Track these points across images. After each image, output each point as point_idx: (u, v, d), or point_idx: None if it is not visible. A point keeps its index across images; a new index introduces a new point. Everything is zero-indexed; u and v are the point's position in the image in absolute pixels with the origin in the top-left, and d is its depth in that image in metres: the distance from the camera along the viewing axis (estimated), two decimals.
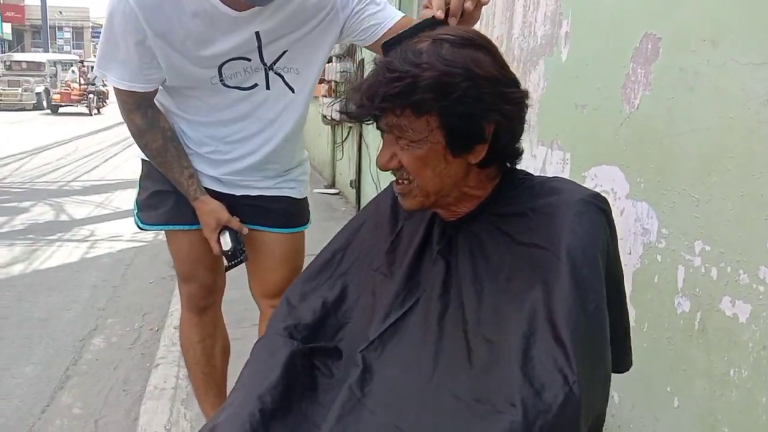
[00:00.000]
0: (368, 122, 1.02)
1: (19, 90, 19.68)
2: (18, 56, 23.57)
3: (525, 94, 0.99)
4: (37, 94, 20.08)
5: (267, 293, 1.78)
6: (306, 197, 1.83)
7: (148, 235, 5.10)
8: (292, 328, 1.14)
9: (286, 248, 1.78)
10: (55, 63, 22.19)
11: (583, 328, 0.86)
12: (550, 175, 2.01)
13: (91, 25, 48.15)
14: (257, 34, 1.48)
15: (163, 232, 1.77)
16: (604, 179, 1.79)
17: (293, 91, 1.60)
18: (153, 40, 1.42)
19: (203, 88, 1.54)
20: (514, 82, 0.99)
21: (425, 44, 0.95)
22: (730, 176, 1.32)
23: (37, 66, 21.34)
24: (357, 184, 5.61)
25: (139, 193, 1.76)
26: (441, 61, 0.93)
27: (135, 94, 1.52)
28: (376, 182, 4.85)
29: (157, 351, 2.89)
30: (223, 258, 1.67)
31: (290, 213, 1.77)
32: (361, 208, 5.25)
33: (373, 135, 5.06)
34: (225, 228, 1.63)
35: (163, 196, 1.69)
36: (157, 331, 3.23)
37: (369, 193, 5.11)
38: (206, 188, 1.65)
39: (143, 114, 1.56)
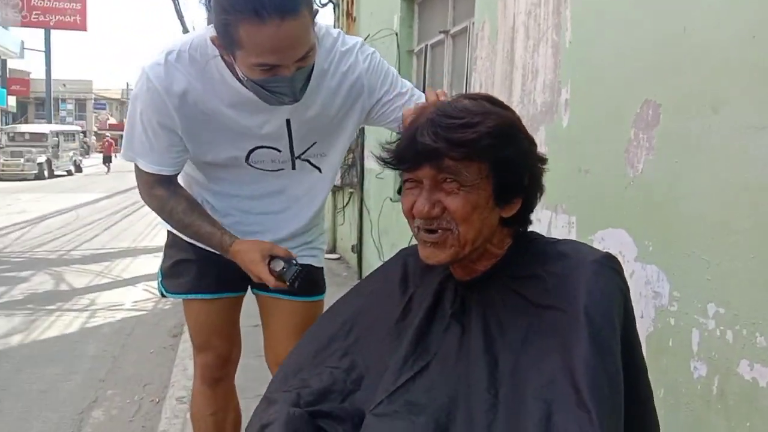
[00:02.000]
0: (406, 168, 1.02)
1: (22, 160, 19.93)
2: (21, 127, 24.04)
3: (545, 159, 1.06)
4: (38, 164, 20.33)
5: (281, 361, 1.75)
6: (323, 266, 1.83)
7: (148, 304, 5.06)
8: (298, 391, 1.12)
9: (305, 317, 1.75)
10: (57, 134, 22.58)
11: (606, 391, 0.85)
12: None
13: (93, 97, 49.24)
14: (288, 122, 1.48)
15: (181, 300, 1.77)
16: (611, 242, 1.79)
17: (320, 171, 1.62)
18: (180, 123, 1.42)
19: (230, 166, 1.55)
20: (536, 144, 1.06)
21: (467, 101, 1.01)
22: (740, 238, 1.33)
23: (40, 137, 21.70)
24: (358, 249, 5.61)
25: (163, 261, 1.77)
26: (494, 112, 0.99)
27: (159, 176, 1.51)
28: (378, 247, 4.85)
29: (159, 424, 2.81)
30: (285, 281, 1.49)
31: (310, 281, 1.76)
32: (363, 273, 5.24)
33: (374, 199, 5.09)
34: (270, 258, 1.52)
35: (186, 266, 1.70)
36: (158, 402, 3.16)
37: (371, 258, 5.10)
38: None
39: (165, 187, 1.54)
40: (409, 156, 1.01)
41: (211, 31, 1.32)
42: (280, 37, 1.20)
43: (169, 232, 1.74)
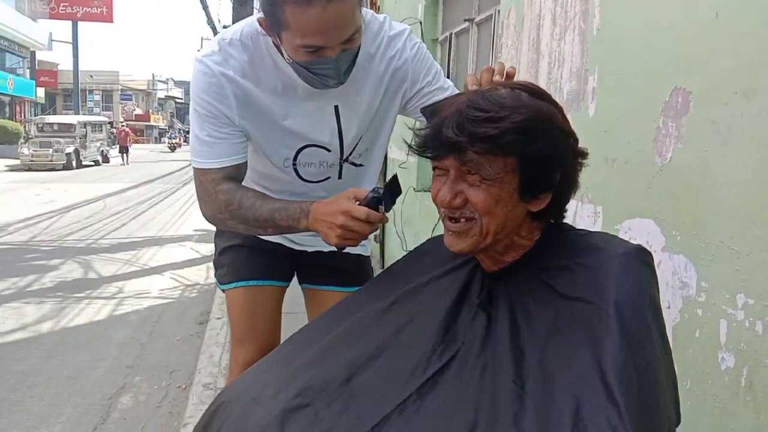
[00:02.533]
0: (432, 156, 1.02)
1: (50, 151, 20.26)
2: (50, 118, 24.42)
3: (586, 153, 1.03)
4: (67, 154, 20.65)
5: None
6: (370, 254, 1.83)
7: (175, 292, 5.13)
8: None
9: None
10: (85, 124, 22.91)
11: (636, 386, 0.84)
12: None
13: (120, 87, 49.85)
14: (336, 108, 1.46)
15: (212, 288, 1.80)
16: (638, 232, 1.77)
17: (363, 166, 1.61)
18: (237, 111, 1.40)
19: (277, 170, 1.53)
20: (577, 139, 1.03)
21: (504, 91, 0.99)
22: None
23: (68, 127, 22.03)
24: (381, 239, 5.62)
25: (214, 253, 1.80)
26: (526, 106, 0.97)
27: (227, 169, 1.43)
28: (401, 236, 4.85)
29: (185, 410, 2.86)
30: (380, 208, 1.31)
31: (360, 270, 1.77)
32: (385, 263, 5.25)
33: None
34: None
35: (235, 251, 1.71)
36: (185, 389, 3.21)
37: (393, 248, 5.10)
38: (276, 242, 1.66)
39: (232, 182, 1.44)
40: (433, 146, 1.01)
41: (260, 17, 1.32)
42: (325, 18, 1.19)
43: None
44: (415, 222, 4.46)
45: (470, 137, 0.95)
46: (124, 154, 25.28)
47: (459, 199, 1.00)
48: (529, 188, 0.99)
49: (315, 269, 1.73)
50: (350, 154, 1.54)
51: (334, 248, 1.67)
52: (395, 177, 1.32)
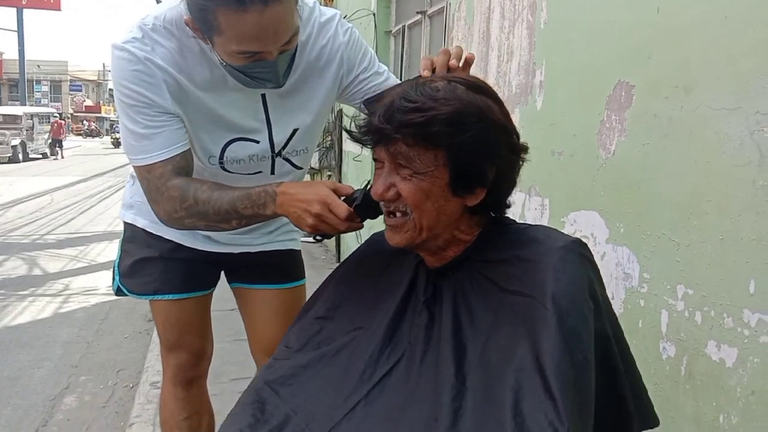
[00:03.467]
0: (370, 146, 1.02)
1: None
2: None
3: (525, 149, 1.03)
4: (12, 147, 19.94)
5: (269, 351, 1.68)
6: (300, 248, 1.75)
7: None
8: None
9: (288, 303, 1.68)
10: (32, 116, 22.14)
11: (572, 379, 0.84)
12: (529, 220, 2.01)
13: (69, 78, 48.38)
14: (263, 96, 1.38)
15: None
16: (583, 224, 1.79)
17: (300, 168, 1.53)
18: (171, 97, 1.28)
19: (202, 165, 1.42)
20: (517, 134, 1.03)
21: (440, 83, 0.98)
22: (709, 220, 1.33)
23: (14, 119, 21.25)
24: None
25: (121, 258, 1.64)
26: (458, 99, 0.95)
27: (174, 159, 1.29)
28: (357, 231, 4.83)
29: (132, 409, 2.78)
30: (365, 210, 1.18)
31: (291, 266, 1.70)
32: (342, 256, 5.22)
33: (353, 182, 5.05)
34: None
35: (149, 264, 1.58)
36: (132, 388, 3.13)
37: (349, 241, 5.08)
38: (197, 249, 1.56)
39: (182, 176, 1.30)
40: (364, 134, 1.01)
41: (183, 8, 1.21)
42: (263, 24, 1.11)
43: (126, 225, 1.63)
44: None
45: (398, 125, 0.94)
46: (58, 148, 23.48)
47: (391, 191, 0.99)
48: (461, 183, 0.97)
49: (244, 269, 1.65)
50: (284, 148, 1.46)
51: (262, 248, 1.61)
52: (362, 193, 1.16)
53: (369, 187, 1.11)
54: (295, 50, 1.27)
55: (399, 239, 1.03)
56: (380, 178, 1.00)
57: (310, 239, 1.36)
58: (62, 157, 23.22)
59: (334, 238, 5.54)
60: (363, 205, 1.15)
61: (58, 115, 26.29)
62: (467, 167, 0.96)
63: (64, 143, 24.51)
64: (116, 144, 33.73)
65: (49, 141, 23.56)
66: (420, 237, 1.01)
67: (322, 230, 1.18)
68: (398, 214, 1.01)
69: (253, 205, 1.22)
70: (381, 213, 1.11)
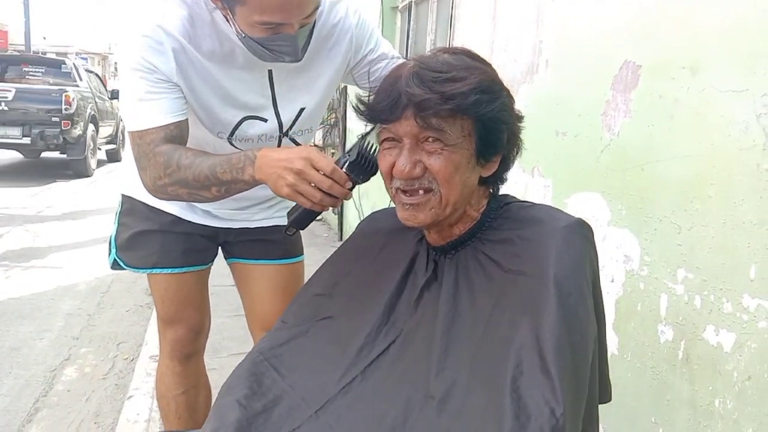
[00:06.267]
0: (385, 120, 0.97)
1: None
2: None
3: (522, 117, 1.05)
4: None
5: (267, 326, 1.68)
6: None
7: None
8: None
9: (286, 279, 1.69)
10: None
11: (569, 359, 0.84)
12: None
13: (75, 50, 48.17)
14: (270, 73, 1.37)
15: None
16: (585, 206, 1.77)
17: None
18: (177, 71, 1.28)
19: (212, 136, 1.41)
20: (514, 100, 1.05)
21: (446, 56, 0.98)
22: (712, 203, 1.31)
23: None
24: (339, 210, 5.58)
25: (118, 231, 1.63)
26: (476, 68, 0.96)
27: (168, 127, 1.28)
28: (359, 208, 4.82)
29: (131, 381, 2.80)
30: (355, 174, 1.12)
31: (290, 242, 1.69)
32: (344, 234, 5.22)
33: None
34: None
35: (148, 237, 1.57)
36: (132, 360, 3.15)
37: (351, 219, 5.07)
38: (196, 223, 1.56)
39: (171, 143, 1.29)
40: (392, 108, 0.96)
41: None
42: None
43: (124, 196, 1.62)
44: (373, 194, 4.43)
45: (440, 95, 0.91)
46: None
47: (418, 168, 0.96)
48: (484, 151, 0.98)
49: (242, 244, 1.65)
50: (291, 128, 1.46)
51: (260, 224, 1.61)
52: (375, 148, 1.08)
53: (367, 144, 1.07)
54: (314, 25, 1.27)
55: (423, 217, 1.00)
56: (402, 156, 0.97)
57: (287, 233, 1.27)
58: None
59: (336, 216, 5.55)
60: (357, 163, 1.08)
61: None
62: (491, 134, 0.97)
63: None
64: None
65: None
66: (444, 213, 1.00)
67: (301, 193, 1.10)
68: (421, 192, 0.98)
69: (232, 169, 1.20)
70: (374, 174, 1.08)
